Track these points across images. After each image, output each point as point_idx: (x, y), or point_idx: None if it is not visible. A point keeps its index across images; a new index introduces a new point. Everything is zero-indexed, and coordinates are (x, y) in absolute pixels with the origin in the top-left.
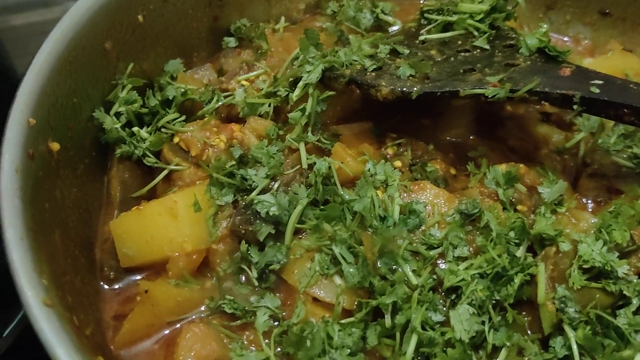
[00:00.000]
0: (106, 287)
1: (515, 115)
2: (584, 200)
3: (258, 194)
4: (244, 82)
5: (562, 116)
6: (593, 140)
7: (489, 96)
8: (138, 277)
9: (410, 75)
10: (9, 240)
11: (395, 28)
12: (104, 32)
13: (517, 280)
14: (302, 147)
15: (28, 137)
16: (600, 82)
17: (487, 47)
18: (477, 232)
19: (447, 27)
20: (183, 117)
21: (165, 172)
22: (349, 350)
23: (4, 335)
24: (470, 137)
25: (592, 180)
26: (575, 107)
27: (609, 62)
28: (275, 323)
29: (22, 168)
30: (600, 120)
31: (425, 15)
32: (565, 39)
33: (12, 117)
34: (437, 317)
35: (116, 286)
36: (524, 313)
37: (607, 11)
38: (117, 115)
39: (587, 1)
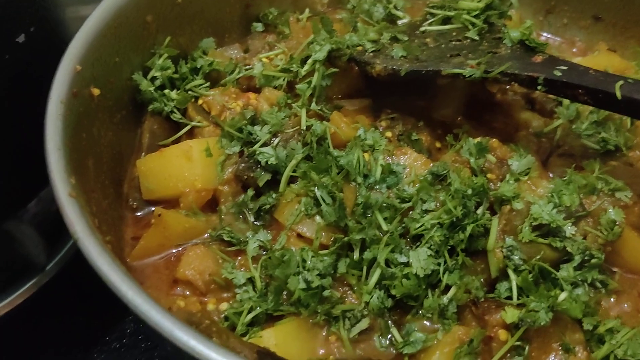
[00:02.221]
0: (129, 214)
1: (502, 102)
2: (550, 175)
3: (260, 147)
4: (264, 59)
5: (544, 105)
6: (569, 127)
7: (467, 75)
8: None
9: (402, 56)
10: (49, 150)
11: (404, 21)
12: (146, 7)
13: (469, 229)
14: (303, 112)
15: (74, 79)
16: (565, 67)
17: (477, 38)
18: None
19: (446, 20)
20: (208, 84)
21: (188, 127)
22: (318, 272)
23: (48, 268)
24: (458, 118)
25: (561, 159)
26: (539, 87)
27: (594, 60)
28: (264, 252)
29: (66, 101)
30: (577, 109)
31: (429, 9)
32: (561, 40)
33: (63, 63)
34: (402, 259)
35: (137, 214)
36: (478, 261)
37: (600, 16)
38: (153, 79)
39: (583, 7)
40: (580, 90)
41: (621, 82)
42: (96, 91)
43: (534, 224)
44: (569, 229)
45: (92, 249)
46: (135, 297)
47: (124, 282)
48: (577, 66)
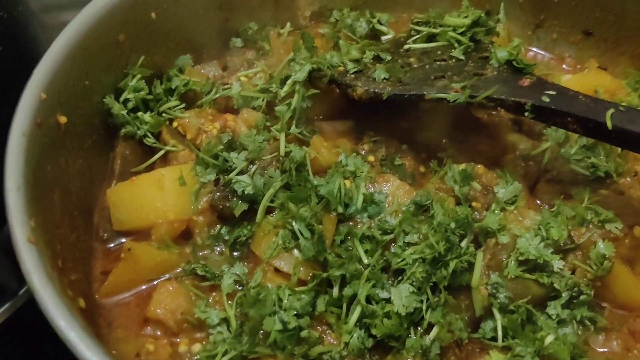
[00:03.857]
0: (99, 246)
1: (489, 123)
2: (538, 202)
3: (237, 175)
4: (243, 78)
5: (532, 126)
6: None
7: (451, 100)
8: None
9: (385, 78)
10: (8, 190)
11: (388, 37)
12: (119, 25)
13: (452, 264)
14: (282, 137)
15: (38, 108)
16: (553, 92)
17: (462, 57)
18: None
19: (431, 38)
20: (183, 105)
21: (162, 152)
22: (295, 312)
23: (20, 293)
24: (443, 141)
25: (549, 185)
26: (526, 114)
27: (584, 79)
28: (240, 288)
29: (29, 133)
30: (565, 132)
31: (414, 26)
32: (551, 56)
33: (27, 90)
34: (383, 294)
35: (108, 246)
36: (462, 297)
37: (591, 31)
38: (126, 101)
39: (573, 21)
40: (569, 119)
41: (612, 110)
42: (63, 119)
43: (520, 258)
44: (557, 264)
45: (48, 302)
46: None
47: (82, 342)
48: (567, 91)
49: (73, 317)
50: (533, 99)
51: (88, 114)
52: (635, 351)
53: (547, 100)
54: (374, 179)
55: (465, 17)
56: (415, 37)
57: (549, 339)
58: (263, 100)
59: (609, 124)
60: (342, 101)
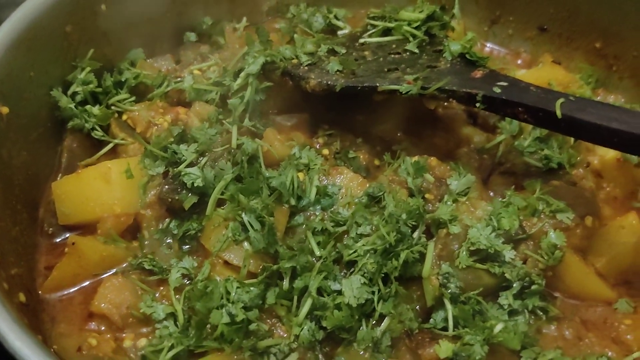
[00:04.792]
0: (44, 241)
1: (444, 117)
2: (492, 194)
3: (186, 167)
4: (196, 71)
5: (487, 119)
6: (511, 143)
7: (403, 92)
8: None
9: (338, 70)
10: None
11: (345, 32)
12: (66, 16)
13: (403, 255)
14: (234, 129)
15: None
16: (505, 83)
17: (416, 51)
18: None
19: (387, 32)
20: (133, 98)
21: (110, 146)
22: (243, 305)
23: None
24: (398, 134)
25: (502, 177)
26: (477, 105)
27: (538, 73)
28: (188, 282)
29: None
30: (519, 124)
31: (370, 21)
32: (506, 51)
33: None
34: (335, 286)
35: (53, 241)
36: (414, 288)
37: (545, 27)
38: (74, 94)
39: (528, 17)
40: (519, 109)
41: (562, 99)
42: (5, 109)
43: (472, 248)
44: (508, 254)
45: None
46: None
47: (12, 332)
48: (518, 82)
49: (4, 309)
50: (484, 89)
51: (34, 106)
52: (586, 340)
53: (499, 91)
54: (328, 171)
55: (421, 11)
56: (370, 32)
57: (499, 327)
58: (216, 93)
59: (559, 113)
60: (297, 95)
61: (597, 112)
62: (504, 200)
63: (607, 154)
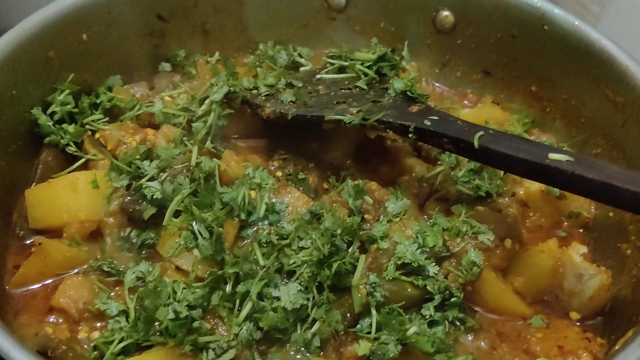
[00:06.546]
0: (15, 242)
1: (391, 148)
2: (425, 217)
3: (147, 181)
4: (167, 97)
5: (430, 152)
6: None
7: (347, 122)
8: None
9: (291, 101)
10: None
11: (306, 68)
12: (49, 42)
13: (335, 265)
14: (194, 149)
15: None
16: (436, 117)
17: (365, 87)
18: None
19: (342, 70)
20: (107, 119)
21: (82, 160)
22: (187, 303)
23: None
24: (348, 161)
25: (436, 203)
26: (410, 135)
27: (479, 112)
28: (142, 284)
29: None
30: (457, 158)
31: (328, 59)
32: (455, 92)
33: None
34: (275, 293)
35: (23, 243)
36: (347, 296)
37: (489, 71)
38: (53, 113)
39: (474, 62)
40: (444, 139)
41: (481, 132)
42: None
43: (399, 262)
44: (432, 269)
45: None
46: None
47: None
48: (448, 117)
49: None
50: (417, 122)
51: (14, 121)
52: (500, 350)
53: (428, 123)
54: (278, 190)
55: (373, 53)
56: (327, 69)
57: (412, 330)
58: (184, 118)
59: (476, 144)
60: (257, 122)
61: (510, 143)
62: (430, 221)
63: (532, 186)
